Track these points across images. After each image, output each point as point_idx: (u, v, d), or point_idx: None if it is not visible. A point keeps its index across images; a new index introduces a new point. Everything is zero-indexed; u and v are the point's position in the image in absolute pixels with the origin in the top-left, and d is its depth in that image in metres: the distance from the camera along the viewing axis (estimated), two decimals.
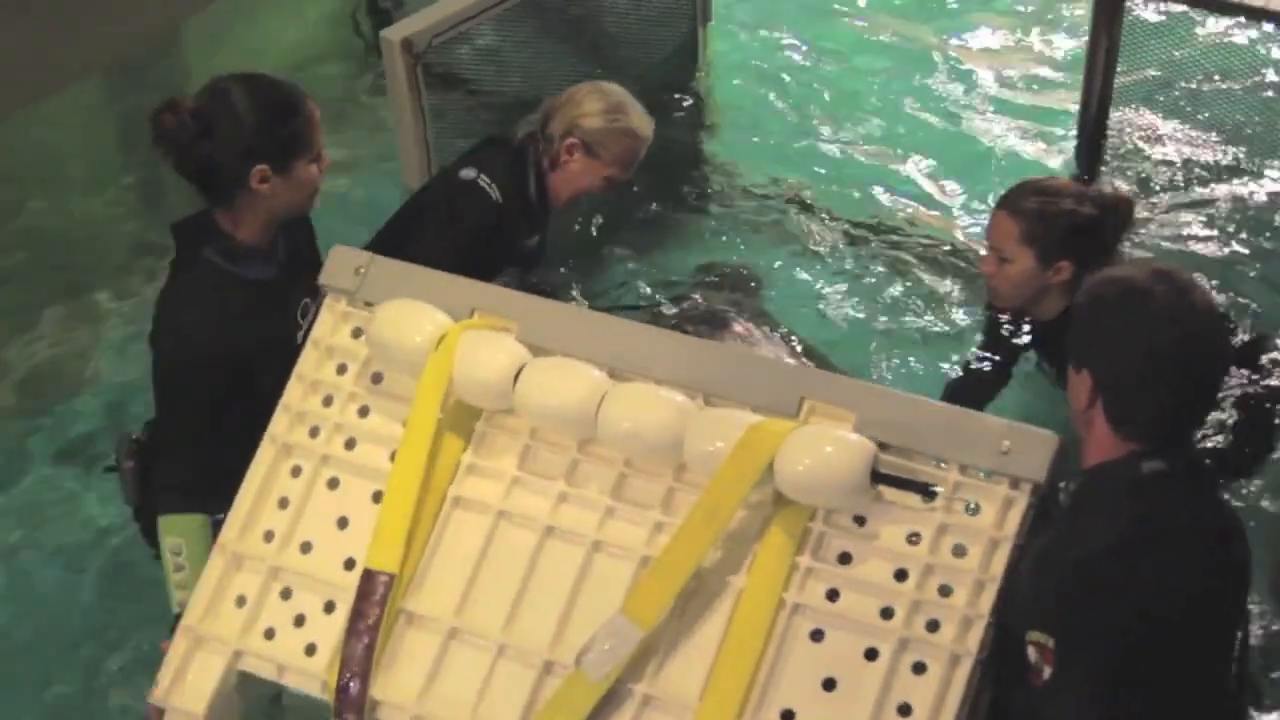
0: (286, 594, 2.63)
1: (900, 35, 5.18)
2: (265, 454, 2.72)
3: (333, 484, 2.69)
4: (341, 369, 2.75)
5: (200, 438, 2.91)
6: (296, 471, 2.69)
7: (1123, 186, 4.24)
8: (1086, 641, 2.31)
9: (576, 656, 2.40)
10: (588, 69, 4.64)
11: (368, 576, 2.52)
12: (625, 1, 4.74)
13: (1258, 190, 4.19)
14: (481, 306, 2.62)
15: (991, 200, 3.88)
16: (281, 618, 2.60)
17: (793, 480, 2.38)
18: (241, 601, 2.64)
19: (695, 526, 2.41)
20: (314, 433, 2.72)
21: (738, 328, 3.87)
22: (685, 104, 4.79)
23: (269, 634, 2.59)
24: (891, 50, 5.14)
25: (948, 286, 3.97)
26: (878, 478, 2.39)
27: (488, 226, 3.62)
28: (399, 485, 2.57)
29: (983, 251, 3.45)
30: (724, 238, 4.27)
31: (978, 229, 4.12)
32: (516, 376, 2.53)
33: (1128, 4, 4.02)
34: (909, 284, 3.97)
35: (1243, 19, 4.19)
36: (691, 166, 4.59)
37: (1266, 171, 4.20)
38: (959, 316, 3.92)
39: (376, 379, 2.72)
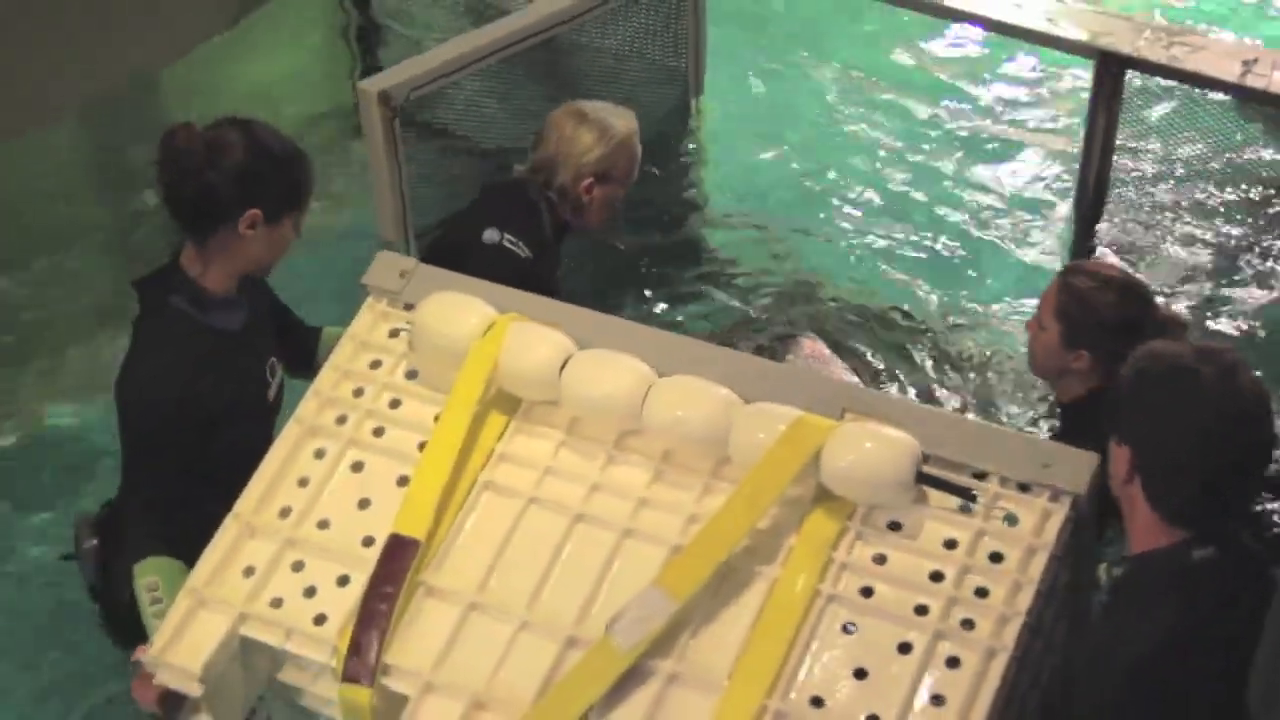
0: (298, 566, 2.82)
1: (898, 100, 5.56)
2: (290, 434, 2.96)
3: (357, 467, 2.92)
4: (376, 364, 3.04)
5: (170, 488, 3.10)
6: (320, 454, 2.93)
7: (1115, 260, 4.53)
8: None
9: (607, 625, 2.58)
10: None
11: (394, 541, 2.73)
12: (613, 63, 5.13)
13: (1262, 268, 4.58)
14: (527, 313, 2.94)
15: (984, 273, 4.45)
16: (291, 588, 2.77)
17: (839, 472, 2.65)
18: (250, 571, 2.81)
19: (737, 507, 2.67)
20: (341, 420, 2.97)
21: (806, 345, 4.19)
22: (678, 174, 5.12)
23: (276, 603, 2.76)
24: (889, 115, 5.49)
25: (948, 375, 4.31)
26: (921, 478, 2.67)
27: (522, 287, 4.02)
28: (433, 459, 2.82)
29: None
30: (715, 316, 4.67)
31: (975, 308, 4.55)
32: (562, 368, 2.84)
33: (1129, 79, 4.52)
34: (910, 366, 4.32)
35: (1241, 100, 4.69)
36: (686, 242, 4.92)
37: (1266, 246, 4.62)
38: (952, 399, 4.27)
39: (411, 375, 3.01)
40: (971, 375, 4.36)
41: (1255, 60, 4.37)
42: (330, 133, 5.22)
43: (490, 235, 3.90)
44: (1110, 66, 4.53)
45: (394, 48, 5.74)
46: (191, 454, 3.11)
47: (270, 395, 3.32)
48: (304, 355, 3.49)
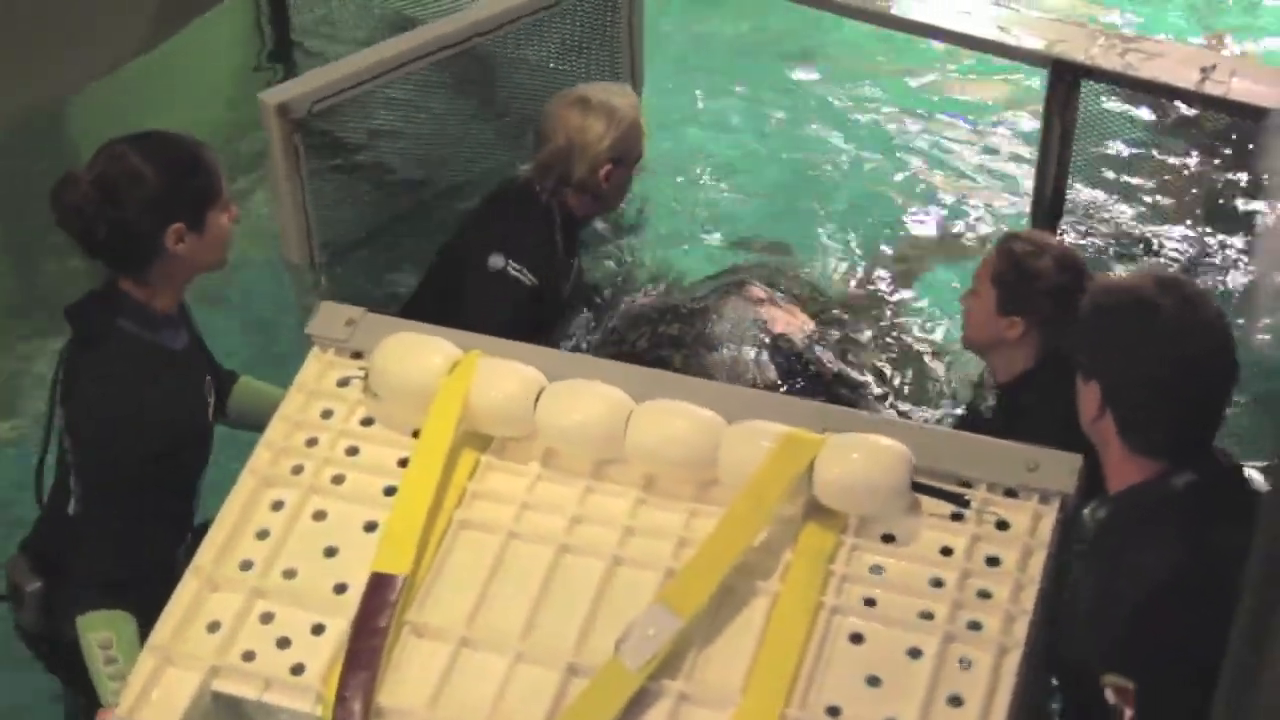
0: (268, 617, 2.90)
1: (847, 109, 5.90)
2: (244, 486, 3.07)
3: (319, 516, 3.04)
4: (327, 413, 3.20)
5: (128, 521, 3.26)
6: (278, 505, 3.05)
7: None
8: (1170, 681, 2.73)
9: (615, 644, 2.74)
10: (490, 140, 5.19)
11: (376, 579, 2.86)
12: (541, 76, 5.27)
13: (1219, 278, 4.89)
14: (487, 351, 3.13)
15: (938, 283, 4.75)
16: (262, 640, 2.86)
17: (834, 482, 2.87)
18: (215, 626, 2.90)
19: (735, 521, 2.85)
20: (298, 470, 3.10)
21: (754, 290, 4.54)
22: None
23: (248, 656, 2.85)
24: (838, 124, 5.83)
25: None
26: (914, 486, 2.92)
27: (526, 315, 4.18)
28: (409, 495, 2.97)
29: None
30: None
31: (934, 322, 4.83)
32: (536, 400, 3.04)
33: (1083, 90, 4.85)
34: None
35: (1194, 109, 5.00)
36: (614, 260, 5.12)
37: (1226, 254, 4.95)
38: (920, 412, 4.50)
39: (367, 422, 3.17)
40: (915, 368, 4.63)
41: (1213, 67, 4.71)
42: (251, 156, 5.31)
43: (495, 261, 4.18)
44: (1064, 75, 4.81)
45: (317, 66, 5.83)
46: (149, 478, 3.25)
47: (210, 415, 3.48)
48: (216, 396, 3.58)
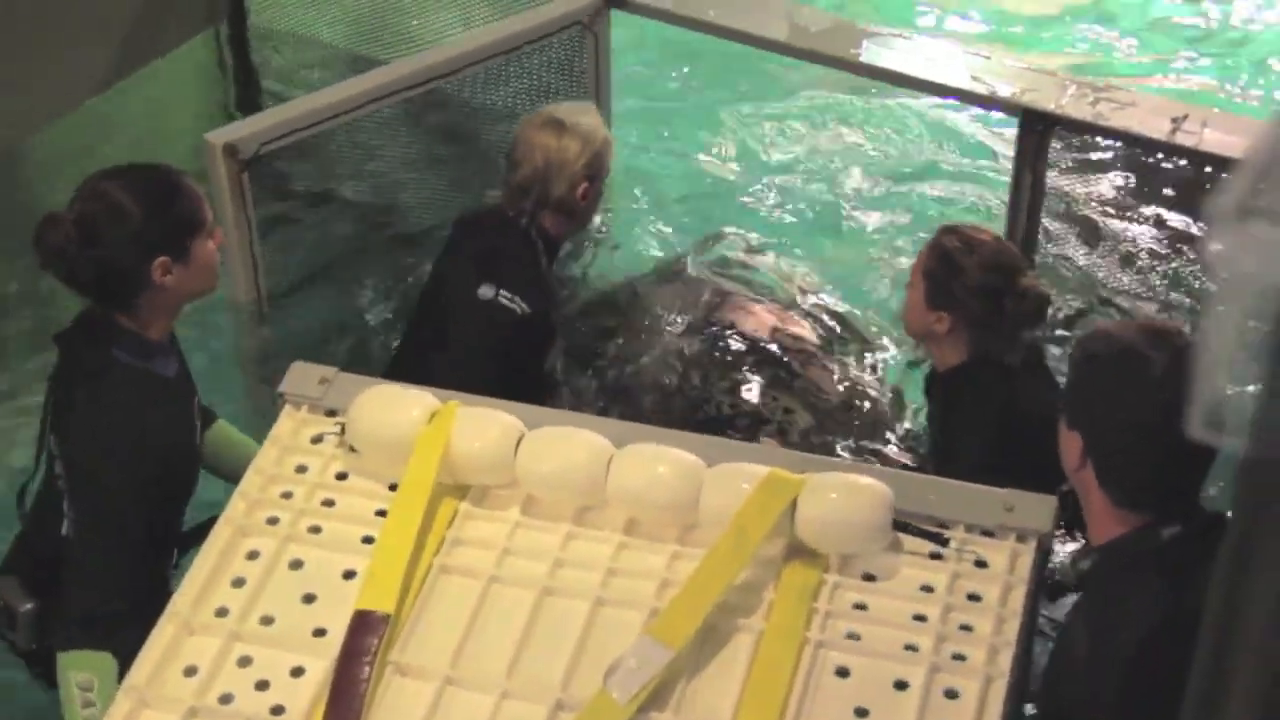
0: (245, 661, 3.02)
1: (818, 150, 6.17)
2: (220, 535, 3.21)
3: (296, 564, 3.18)
4: (302, 469, 3.36)
5: (120, 547, 3.45)
6: (254, 555, 3.19)
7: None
8: None
9: (604, 677, 2.89)
10: (448, 185, 5.37)
11: (360, 617, 3.00)
12: (502, 120, 5.50)
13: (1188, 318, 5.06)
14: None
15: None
16: (241, 683, 2.98)
17: (816, 520, 3.06)
18: (193, 671, 3.01)
19: (721, 555, 3.02)
20: (273, 521, 3.25)
21: (738, 299, 4.85)
22: (581, 239, 5.46)
23: (226, 699, 2.97)
24: (809, 165, 6.10)
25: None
26: (894, 525, 3.11)
27: (519, 344, 4.44)
28: (391, 538, 3.12)
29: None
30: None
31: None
32: (516, 447, 3.23)
33: (1054, 141, 5.04)
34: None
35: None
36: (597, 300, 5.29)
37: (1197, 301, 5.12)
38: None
39: (342, 476, 3.34)
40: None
41: (1184, 117, 4.88)
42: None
43: (485, 292, 4.44)
44: (1034, 124, 4.98)
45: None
46: (144, 503, 3.44)
47: (199, 439, 3.67)
48: None
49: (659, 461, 3.22)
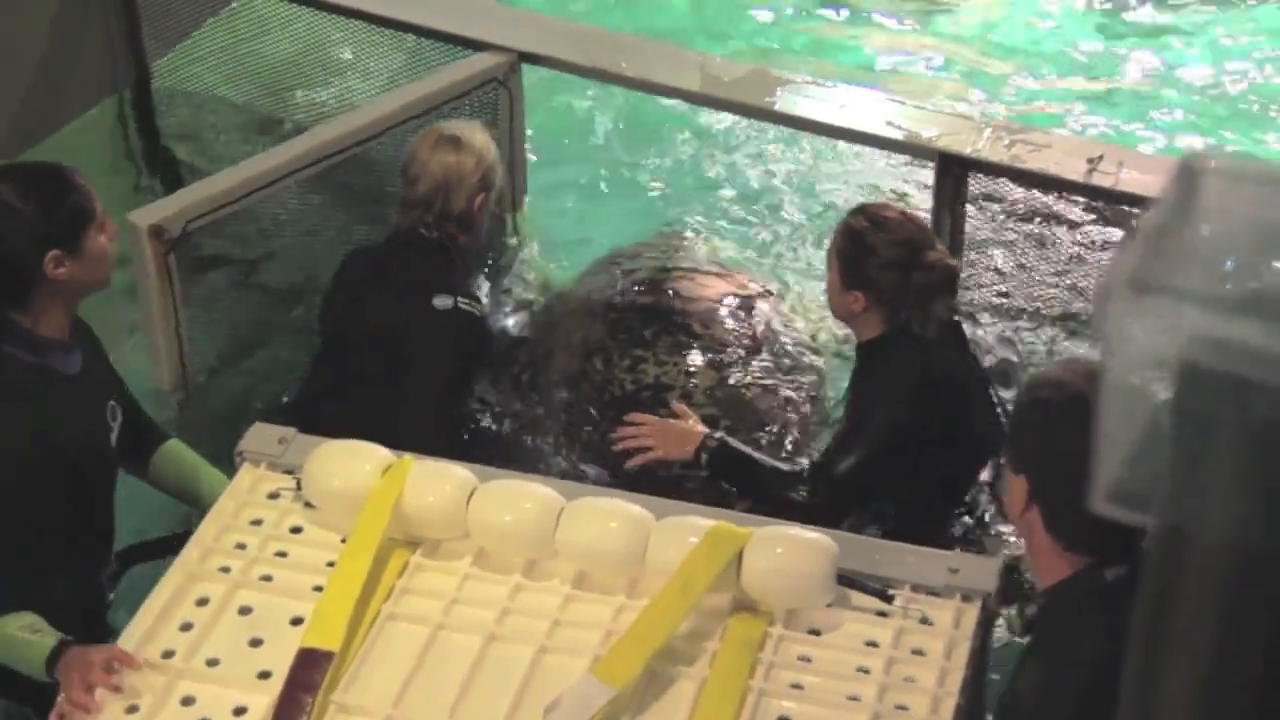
0: (189, 700, 3.15)
1: (732, 204, 6.22)
2: (171, 579, 3.35)
3: (245, 610, 3.31)
4: (257, 522, 3.51)
5: (20, 544, 3.59)
6: (204, 601, 3.32)
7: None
8: None
9: (544, 712, 3.02)
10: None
11: (306, 654, 3.13)
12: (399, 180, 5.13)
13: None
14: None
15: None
16: None
17: (760, 573, 3.19)
18: (133, 709, 3.14)
19: (666, 601, 3.15)
20: (225, 569, 3.39)
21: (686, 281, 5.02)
22: (500, 298, 5.54)
23: None
24: (726, 219, 6.15)
25: None
26: (841, 581, 3.25)
27: (483, 346, 4.72)
28: (339, 583, 3.26)
29: None
30: None
31: None
32: (468, 501, 3.38)
33: (971, 183, 5.17)
34: None
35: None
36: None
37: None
38: None
39: (296, 530, 3.49)
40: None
41: (1100, 157, 5.01)
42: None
43: (442, 301, 4.63)
44: (951, 168, 5.11)
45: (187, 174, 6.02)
46: (42, 501, 3.57)
47: (113, 440, 3.77)
48: (137, 446, 3.95)
49: (607, 515, 3.37)
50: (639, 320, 5.06)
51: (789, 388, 4.94)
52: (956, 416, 4.28)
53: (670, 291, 5.13)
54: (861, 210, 4.37)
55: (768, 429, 4.81)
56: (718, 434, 4.38)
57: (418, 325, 4.59)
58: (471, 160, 4.78)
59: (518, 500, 3.42)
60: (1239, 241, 1.44)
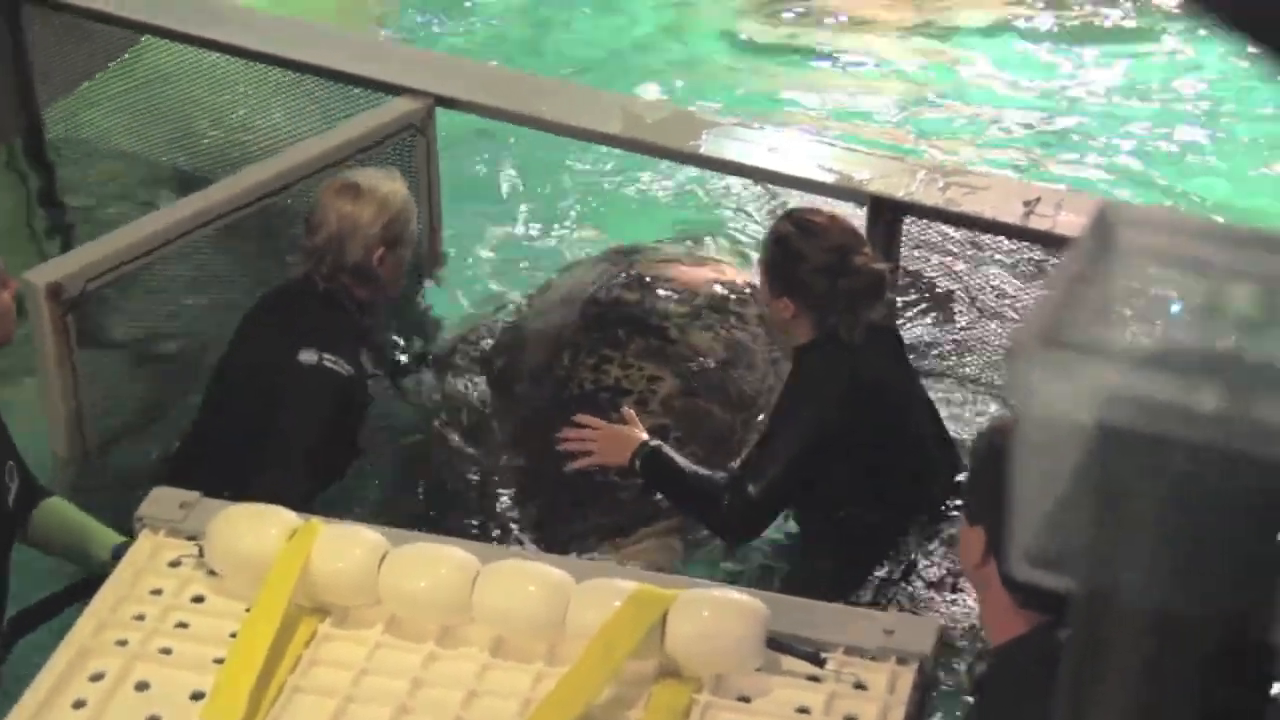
0: None
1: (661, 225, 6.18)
2: (60, 657, 3.28)
3: (141, 686, 3.25)
4: (157, 591, 3.43)
5: None
6: (98, 676, 3.25)
7: None
8: None
9: None
10: None
11: None
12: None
13: None
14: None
15: None
16: None
17: (686, 637, 3.15)
18: None
19: (590, 664, 3.11)
20: (122, 642, 3.32)
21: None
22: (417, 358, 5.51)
23: None
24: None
25: None
26: (770, 645, 3.22)
27: (348, 403, 4.62)
28: (240, 656, 3.19)
29: None
30: None
31: None
32: (380, 565, 3.32)
33: (905, 226, 5.21)
34: None
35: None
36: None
37: None
38: None
39: (198, 599, 3.42)
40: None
41: (1037, 200, 5.02)
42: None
43: (308, 356, 4.58)
44: (883, 212, 5.14)
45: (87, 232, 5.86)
46: None
47: (10, 502, 3.77)
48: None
49: (525, 578, 3.33)
50: (618, 318, 5.15)
51: (752, 404, 5.03)
52: (889, 423, 4.36)
53: (657, 292, 5.22)
54: (789, 216, 4.47)
55: (721, 444, 4.91)
56: (654, 441, 4.45)
57: (282, 378, 4.59)
58: (369, 210, 4.74)
59: (431, 564, 3.37)
60: (1153, 294, 1.43)
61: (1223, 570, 1.34)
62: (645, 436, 4.43)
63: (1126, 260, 1.39)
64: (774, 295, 4.34)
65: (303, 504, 4.10)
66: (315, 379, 4.59)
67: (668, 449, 4.43)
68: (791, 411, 4.33)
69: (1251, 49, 1.36)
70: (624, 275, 5.24)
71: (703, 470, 4.43)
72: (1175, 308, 1.41)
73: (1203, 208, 6.46)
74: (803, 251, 4.30)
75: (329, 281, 4.69)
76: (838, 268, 4.27)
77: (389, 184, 4.81)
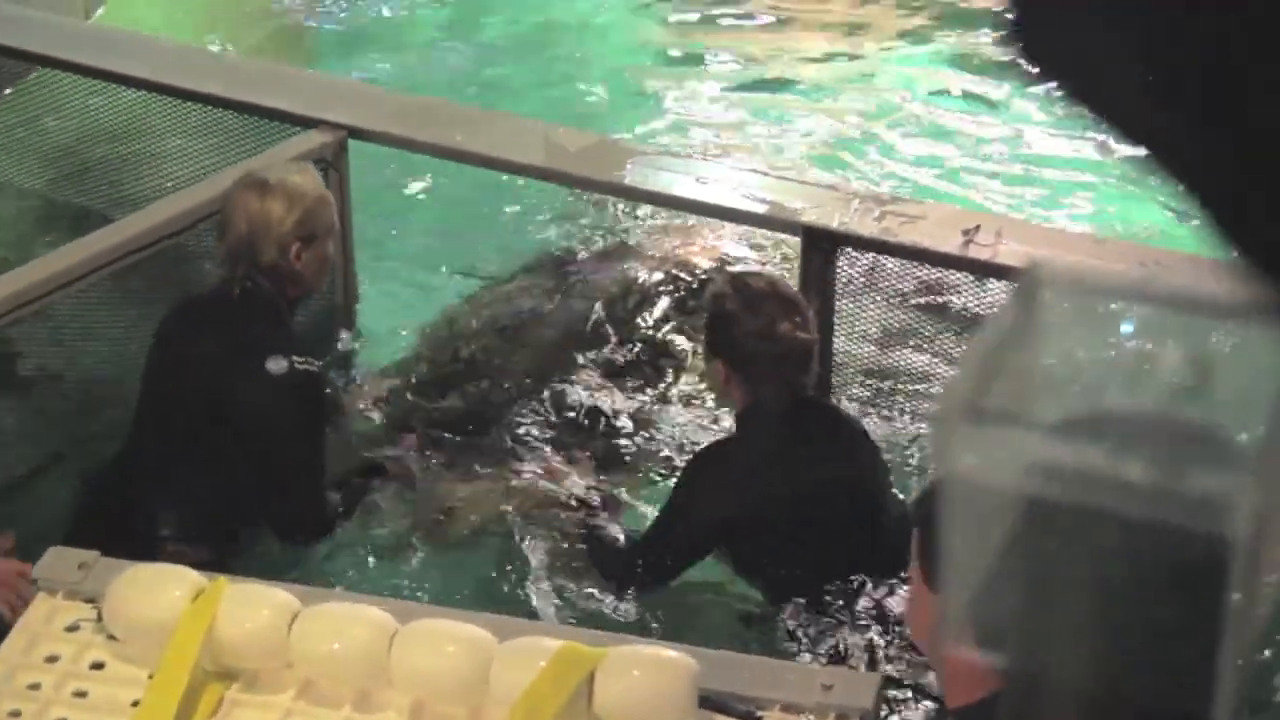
0: None
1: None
2: None
3: None
4: (53, 658, 3.40)
5: None
6: None
7: None
8: None
9: None
10: None
11: None
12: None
13: None
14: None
15: None
16: None
17: (615, 697, 3.16)
18: None
19: None
20: (15, 714, 3.29)
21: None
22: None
23: None
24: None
25: None
26: (704, 703, 3.22)
27: (327, 404, 4.72)
28: (148, 717, 3.21)
29: None
30: None
31: None
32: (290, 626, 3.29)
33: (840, 260, 5.18)
34: None
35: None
36: None
37: None
38: None
39: (98, 666, 3.39)
40: None
41: (976, 228, 5.03)
42: None
43: (277, 365, 4.57)
44: (818, 242, 5.16)
45: None
46: None
47: None
48: None
49: (445, 639, 3.32)
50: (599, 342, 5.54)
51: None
52: (818, 492, 4.50)
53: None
54: (729, 276, 4.63)
55: None
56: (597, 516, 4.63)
57: (253, 394, 4.61)
58: (280, 206, 4.71)
59: (346, 624, 3.36)
60: (1078, 360, 1.43)
61: (1154, 647, 1.33)
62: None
63: (1052, 324, 1.39)
64: (709, 356, 4.51)
65: (333, 523, 4.54)
66: (295, 385, 4.64)
67: (600, 523, 4.66)
68: (694, 482, 4.47)
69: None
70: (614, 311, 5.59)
71: (620, 543, 4.65)
72: (1103, 372, 1.41)
73: (1142, 234, 6.47)
74: (733, 313, 4.43)
75: (246, 284, 4.67)
76: (762, 333, 4.40)
77: (298, 176, 4.80)
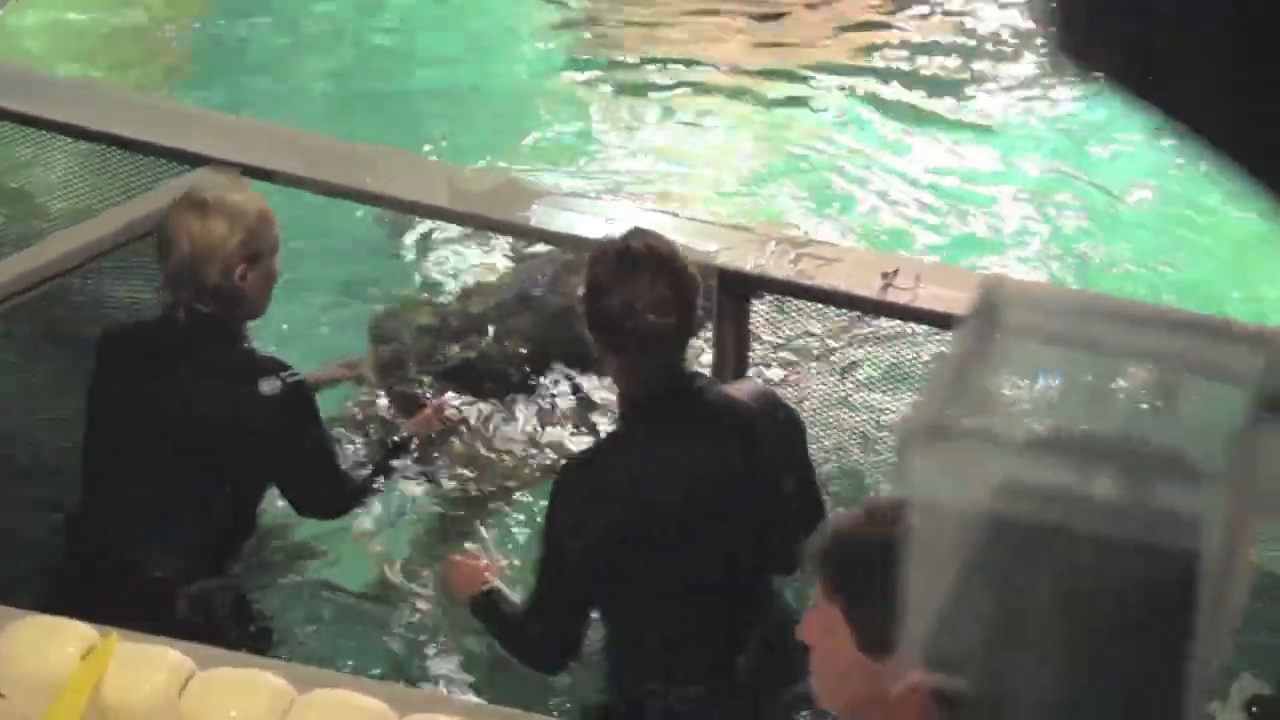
0: None
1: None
2: None
3: None
4: None
5: None
6: None
7: None
8: None
9: None
10: (70, 396, 5.05)
11: None
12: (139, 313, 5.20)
13: None
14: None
15: None
16: None
17: None
18: None
19: None
20: None
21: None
22: None
23: None
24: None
25: None
26: None
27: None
28: None
29: None
30: None
31: None
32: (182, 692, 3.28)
33: (753, 301, 5.14)
34: None
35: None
36: None
37: None
38: None
39: None
40: None
41: (895, 272, 4.95)
42: None
43: (269, 386, 4.59)
44: (732, 285, 5.11)
45: None
46: None
47: None
48: None
49: (344, 711, 3.33)
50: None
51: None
52: (669, 504, 4.25)
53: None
54: (628, 236, 4.26)
55: None
56: (494, 585, 4.41)
57: (258, 417, 4.64)
58: (222, 226, 4.64)
59: (241, 691, 3.35)
60: (1041, 376, 1.43)
61: (1122, 664, 1.33)
62: (492, 583, 4.41)
63: (1013, 342, 1.39)
64: (588, 330, 4.19)
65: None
66: (292, 397, 4.68)
67: (502, 595, 4.40)
68: (556, 514, 4.31)
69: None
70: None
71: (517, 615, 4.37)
72: (1065, 390, 1.41)
73: (1071, 279, 6.53)
74: (604, 281, 4.12)
75: (194, 308, 4.63)
76: (621, 314, 4.08)
77: (239, 194, 4.73)
